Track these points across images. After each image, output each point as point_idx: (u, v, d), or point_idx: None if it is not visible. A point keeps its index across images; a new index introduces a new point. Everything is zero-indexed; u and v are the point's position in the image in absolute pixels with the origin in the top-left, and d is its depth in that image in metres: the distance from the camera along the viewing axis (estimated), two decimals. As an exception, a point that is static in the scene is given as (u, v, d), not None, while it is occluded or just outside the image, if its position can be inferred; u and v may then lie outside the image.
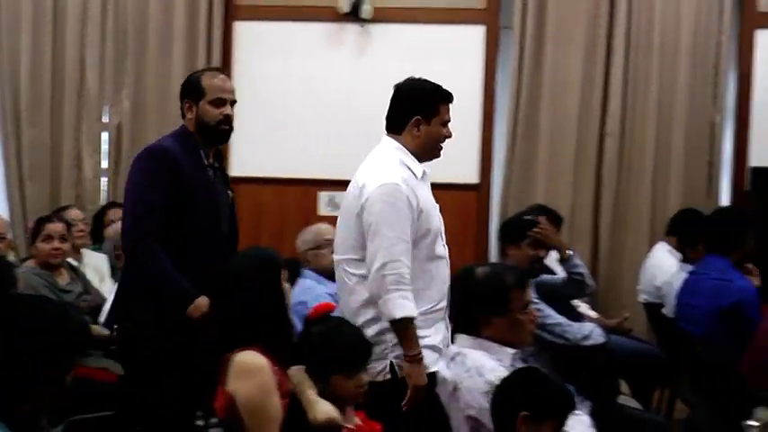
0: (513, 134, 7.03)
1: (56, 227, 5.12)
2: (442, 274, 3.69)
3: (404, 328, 3.48)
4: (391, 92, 3.90)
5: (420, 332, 3.52)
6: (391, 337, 3.53)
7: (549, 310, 4.80)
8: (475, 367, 3.36)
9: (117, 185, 7.22)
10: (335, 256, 3.83)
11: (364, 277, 3.60)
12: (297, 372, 3.24)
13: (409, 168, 3.72)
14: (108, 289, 5.32)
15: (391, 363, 3.55)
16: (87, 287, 5.23)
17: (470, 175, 7.18)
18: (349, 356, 3.24)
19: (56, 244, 5.07)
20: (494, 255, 6.60)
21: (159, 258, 3.71)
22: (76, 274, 5.26)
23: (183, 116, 3.99)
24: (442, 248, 3.72)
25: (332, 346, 3.24)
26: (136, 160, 3.92)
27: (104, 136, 7.36)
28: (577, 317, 5.18)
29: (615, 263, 7.02)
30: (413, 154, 3.77)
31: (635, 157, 7.02)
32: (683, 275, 5.49)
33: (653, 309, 6.06)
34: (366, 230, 3.59)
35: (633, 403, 5.06)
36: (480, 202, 7.18)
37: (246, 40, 7.35)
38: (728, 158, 7.15)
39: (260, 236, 6.84)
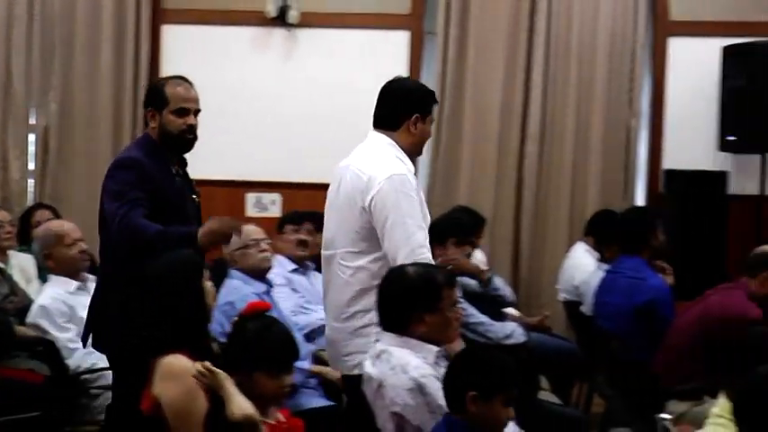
0: (436, 137, 7.05)
1: (-18, 228, 5.03)
2: None
3: None
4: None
5: None
6: (377, 332, 3.55)
7: (472, 309, 4.85)
8: (399, 365, 3.36)
9: (44, 186, 7.15)
10: (327, 251, 3.83)
11: (361, 269, 3.66)
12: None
13: (404, 163, 3.76)
14: (35, 290, 5.24)
15: None
16: (14, 288, 5.13)
17: (395, 177, 7.19)
18: (276, 357, 3.21)
19: (-18, 245, 4.98)
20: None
21: (150, 225, 3.63)
22: (3, 275, 5.17)
23: (146, 124, 3.93)
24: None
25: (261, 345, 3.21)
26: (111, 172, 3.80)
27: (31, 138, 7.25)
28: (500, 316, 5.23)
29: (536, 263, 7.10)
30: (404, 151, 3.80)
31: (554, 160, 7.10)
32: (600, 274, 5.58)
33: (572, 307, 6.13)
34: (379, 222, 3.62)
35: (553, 399, 5.11)
36: (404, 203, 7.19)
37: (174, 43, 7.30)
38: (643, 161, 7.27)
39: (188, 237, 6.77)
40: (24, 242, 6.00)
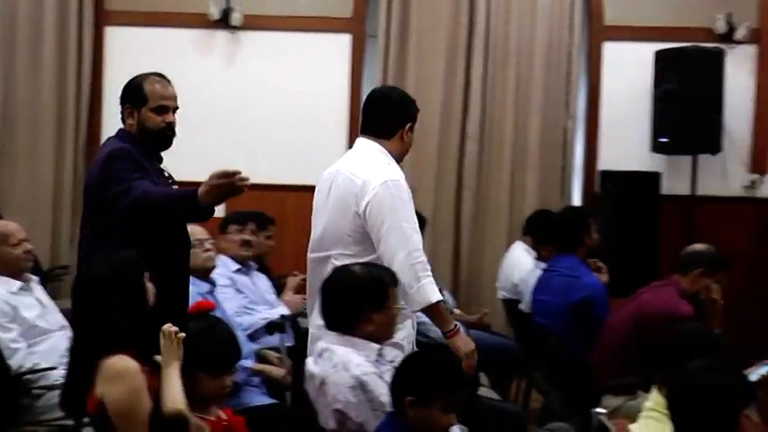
0: (378, 138, 7.09)
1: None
2: None
3: (439, 309, 3.70)
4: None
5: None
6: None
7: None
8: (342, 362, 3.37)
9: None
10: (316, 254, 3.84)
11: None
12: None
13: (397, 169, 3.81)
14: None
15: None
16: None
17: (338, 178, 7.20)
18: (218, 357, 3.19)
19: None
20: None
21: (152, 190, 3.61)
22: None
23: (123, 120, 3.87)
24: None
25: (204, 345, 3.19)
26: (105, 164, 3.71)
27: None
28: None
29: (475, 261, 7.14)
30: (394, 158, 3.86)
31: (494, 160, 7.15)
32: (538, 273, 5.62)
33: (511, 305, 6.17)
34: (375, 226, 3.66)
35: (492, 395, 5.15)
36: (347, 204, 7.20)
37: (117, 45, 7.23)
38: (580, 162, 7.35)
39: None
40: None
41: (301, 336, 4.91)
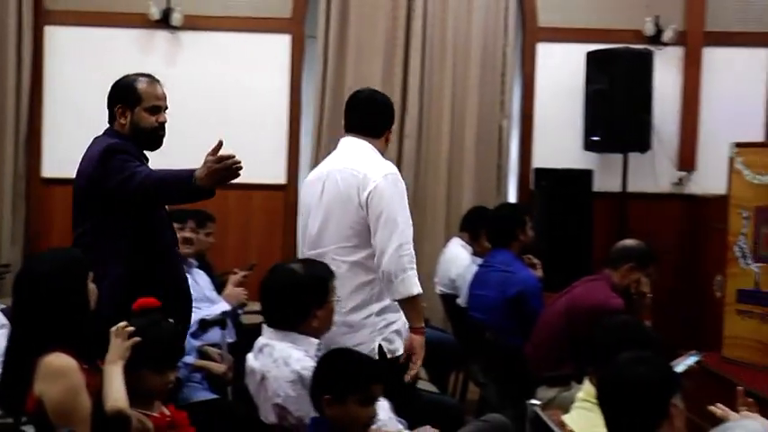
0: (318, 137, 7.07)
1: None
2: None
3: (416, 304, 3.75)
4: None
5: (390, 317, 3.78)
6: (378, 320, 3.75)
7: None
8: (282, 357, 3.37)
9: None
10: (314, 251, 3.87)
11: (356, 264, 3.76)
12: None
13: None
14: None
15: (380, 345, 3.74)
16: None
17: (278, 176, 7.19)
18: (162, 354, 3.16)
19: None
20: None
21: (154, 172, 3.58)
22: None
23: (113, 120, 3.82)
24: None
25: (148, 342, 3.16)
26: (102, 157, 3.62)
27: None
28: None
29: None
30: None
31: (431, 158, 7.18)
32: (475, 268, 5.65)
33: (448, 299, 6.19)
34: (374, 216, 3.74)
35: (431, 387, 5.16)
36: (287, 202, 7.19)
37: (57, 45, 7.11)
38: (515, 160, 7.41)
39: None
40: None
41: (242, 331, 4.89)
